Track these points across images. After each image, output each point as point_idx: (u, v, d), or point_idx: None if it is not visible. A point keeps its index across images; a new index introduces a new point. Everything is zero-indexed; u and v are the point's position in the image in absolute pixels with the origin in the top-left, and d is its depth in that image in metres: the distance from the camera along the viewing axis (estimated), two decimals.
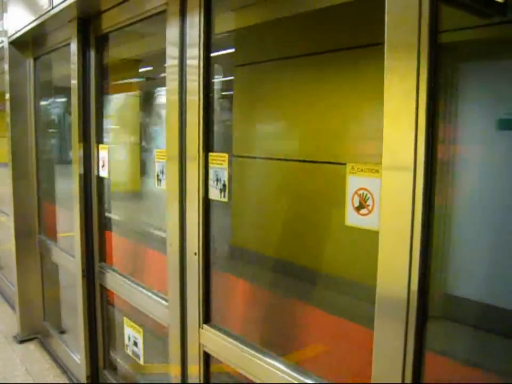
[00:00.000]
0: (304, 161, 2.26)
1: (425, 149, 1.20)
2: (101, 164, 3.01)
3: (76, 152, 3.08)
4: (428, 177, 1.22)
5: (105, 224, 3.14)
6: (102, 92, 3.05)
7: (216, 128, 2.12)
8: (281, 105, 2.53)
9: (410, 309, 1.25)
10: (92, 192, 3.10)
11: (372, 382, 1.35)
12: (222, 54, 2.41)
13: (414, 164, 1.21)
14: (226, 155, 1.98)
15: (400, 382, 1.27)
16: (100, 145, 3.02)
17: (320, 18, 2.15)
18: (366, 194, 1.37)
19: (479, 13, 1.43)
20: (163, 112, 2.36)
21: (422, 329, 1.26)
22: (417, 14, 1.20)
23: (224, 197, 1.99)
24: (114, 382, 3.12)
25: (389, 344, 1.31)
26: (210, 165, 2.04)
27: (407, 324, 1.26)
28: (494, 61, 1.59)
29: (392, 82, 1.26)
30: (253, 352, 1.89)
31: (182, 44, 2.13)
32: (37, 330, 4.21)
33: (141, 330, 2.75)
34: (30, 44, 3.92)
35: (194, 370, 2.19)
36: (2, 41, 4.09)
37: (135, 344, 2.80)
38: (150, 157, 3.62)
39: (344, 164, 1.44)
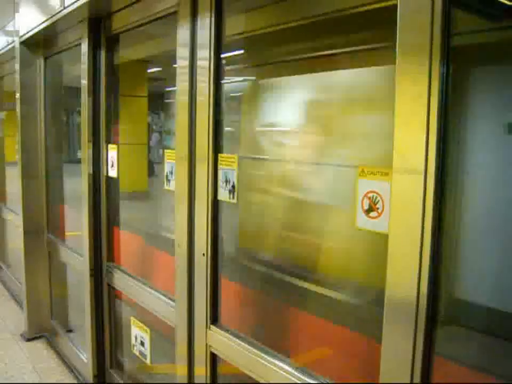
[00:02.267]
0: (314, 164, 2.26)
1: (436, 152, 1.20)
2: (110, 163, 3.02)
3: (85, 152, 3.10)
4: (439, 181, 1.21)
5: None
6: (112, 92, 3.06)
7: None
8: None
9: (419, 313, 1.24)
10: (101, 191, 3.11)
11: None
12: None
13: (424, 167, 1.21)
14: (235, 156, 1.99)
15: None
16: (109, 145, 3.03)
17: (329, 21, 2.14)
18: (376, 197, 1.37)
19: (490, 16, 1.43)
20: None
21: (431, 333, 1.25)
22: (429, 17, 1.20)
23: (233, 198, 2.00)
24: (120, 381, 3.13)
25: (397, 349, 1.30)
26: (219, 166, 2.05)
27: (416, 328, 1.25)
28: (504, 65, 1.58)
29: (404, 85, 1.26)
30: (260, 353, 1.89)
31: (192, 45, 2.14)
32: (44, 328, 4.23)
33: (148, 330, 2.75)
34: (41, 43, 3.94)
35: (201, 371, 2.19)
36: (13, 41, 4.12)
37: (142, 344, 2.81)
38: None
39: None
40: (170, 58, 2.31)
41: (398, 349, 1.30)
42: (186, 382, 2.28)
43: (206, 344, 2.15)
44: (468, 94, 1.57)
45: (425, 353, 1.25)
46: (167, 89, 3.21)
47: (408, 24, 1.25)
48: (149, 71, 4.48)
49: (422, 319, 1.24)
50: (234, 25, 2.28)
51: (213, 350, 2.14)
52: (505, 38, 1.46)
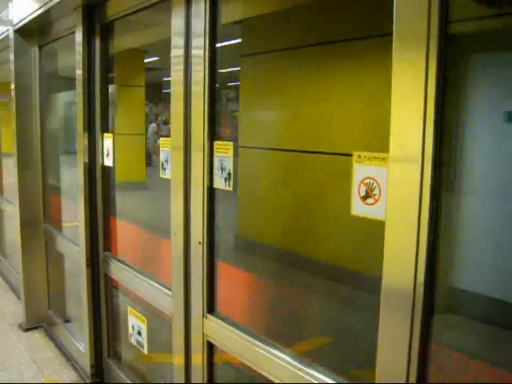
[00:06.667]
0: (311, 152, 2.25)
1: (433, 139, 1.19)
2: (105, 153, 3.00)
3: (81, 141, 3.08)
4: (436, 168, 1.20)
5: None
6: (107, 81, 3.04)
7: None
8: (288, 95, 2.51)
9: (416, 301, 1.23)
10: (97, 181, 3.10)
11: (376, 374, 1.35)
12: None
13: (421, 154, 1.20)
14: (231, 144, 1.97)
15: (405, 375, 1.26)
16: (105, 134, 3.01)
17: (326, 8, 2.12)
18: (373, 184, 1.35)
19: (489, 3, 1.41)
20: None
21: (428, 322, 1.24)
22: (426, 3, 1.18)
23: (228, 186, 1.98)
24: (118, 370, 3.14)
25: (394, 337, 1.29)
26: (215, 154, 2.03)
27: (412, 316, 1.24)
28: (503, 52, 1.57)
29: (401, 72, 1.24)
30: (256, 342, 1.88)
31: (187, 34, 2.11)
32: (42, 318, 4.23)
33: (145, 319, 2.75)
34: (35, 32, 3.90)
35: (198, 360, 2.19)
36: (7, 30, 4.07)
37: (139, 333, 2.81)
38: None
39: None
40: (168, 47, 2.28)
41: (394, 338, 1.29)
42: (183, 371, 2.28)
43: (203, 333, 2.15)
44: (466, 81, 1.56)
45: (422, 342, 1.25)
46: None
47: (404, 10, 1.23)
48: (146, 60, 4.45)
49: (418, 306, 1.23)
50: None
51: (209, 339, 2.14)
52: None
